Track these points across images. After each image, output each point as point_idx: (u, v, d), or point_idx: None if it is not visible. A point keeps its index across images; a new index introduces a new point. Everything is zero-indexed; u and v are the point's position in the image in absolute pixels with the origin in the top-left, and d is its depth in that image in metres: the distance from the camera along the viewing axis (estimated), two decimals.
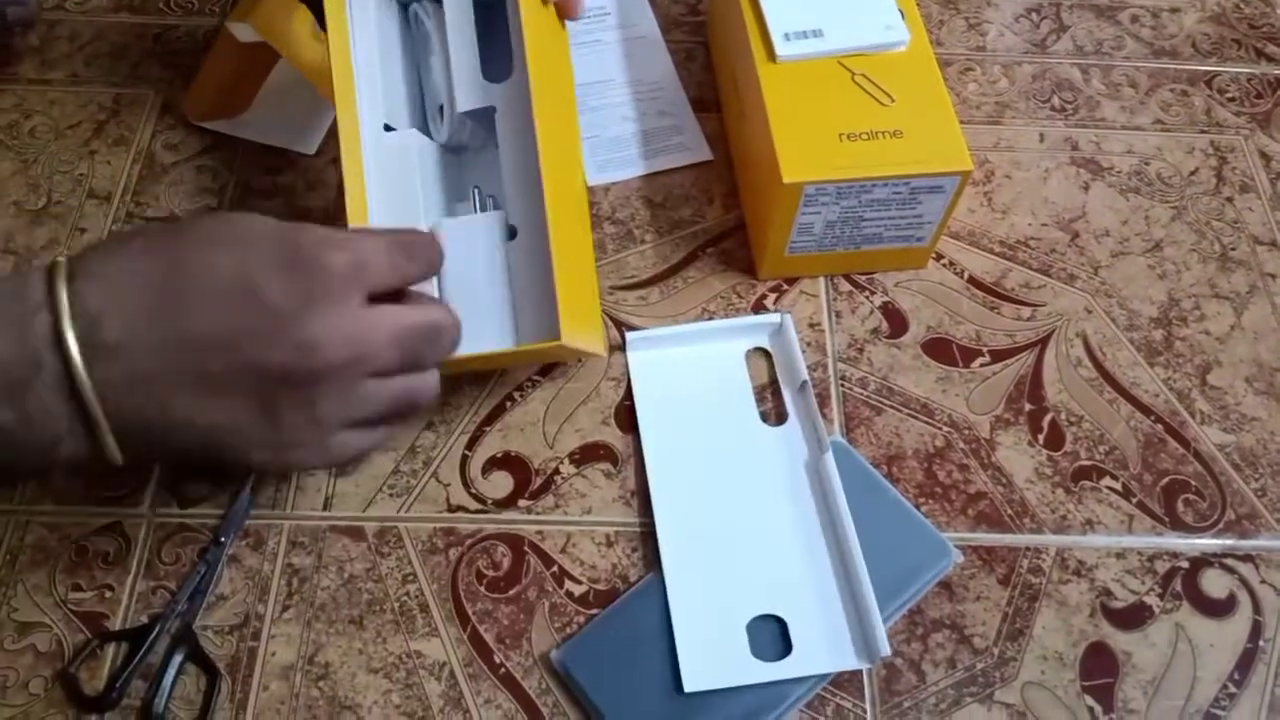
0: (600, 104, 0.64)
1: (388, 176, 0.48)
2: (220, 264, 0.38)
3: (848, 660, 0.46)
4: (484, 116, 0.50)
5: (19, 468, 0.37)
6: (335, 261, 0.38)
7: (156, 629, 0.46)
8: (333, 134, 0.62)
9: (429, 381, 0.43)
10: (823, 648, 0.46)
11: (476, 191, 0.50)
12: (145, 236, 0.39)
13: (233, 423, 0.38)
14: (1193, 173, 0.63)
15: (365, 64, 0.49)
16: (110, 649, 0.46)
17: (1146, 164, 0.63)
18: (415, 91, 0.52)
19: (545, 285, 0.46)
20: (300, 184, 0.61)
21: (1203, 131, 0.65)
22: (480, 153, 0.52)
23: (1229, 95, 0.67)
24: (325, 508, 0.50)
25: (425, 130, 0.51)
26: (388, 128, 0.49)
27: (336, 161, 0.60)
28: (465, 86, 0.49)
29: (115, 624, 0.47)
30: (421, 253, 0.42)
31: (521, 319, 0.47)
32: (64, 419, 0.36)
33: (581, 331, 0.49)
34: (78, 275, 0.37)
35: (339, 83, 0.47)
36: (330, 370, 0.38)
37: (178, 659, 0.45)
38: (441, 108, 0.51)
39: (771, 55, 0.55)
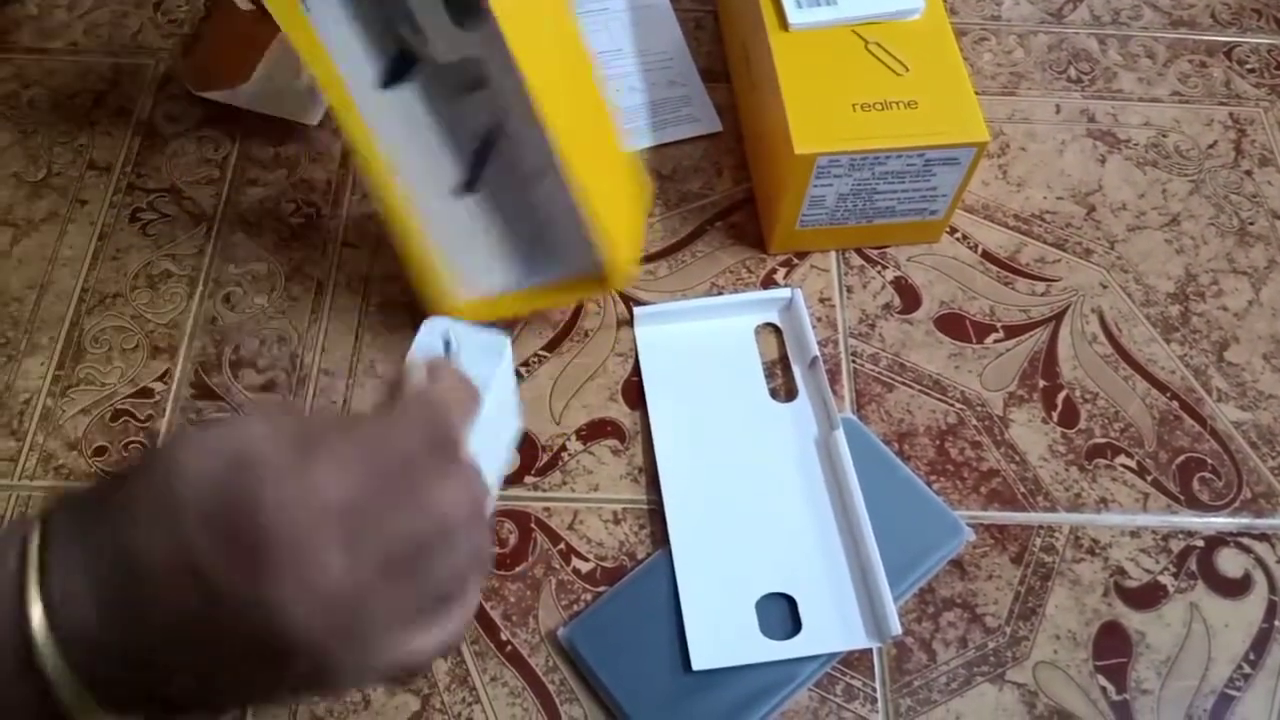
0: (608, 74, 0.63)
1: (397, 137, 0.47)
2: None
3: (858, 639, 0.45)
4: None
5: None
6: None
7: None
8: None
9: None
10: (833, 626, 0.45)
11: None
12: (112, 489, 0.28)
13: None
14: (1211, 145, 0.62)
15: (332, 25, 0.46)
16: None
17: (1164, 136, 0.62)
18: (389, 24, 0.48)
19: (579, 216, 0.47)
20: (303, 155, 0.60)
21: (1221, 103, 0.64)
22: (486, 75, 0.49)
23: (1249, 66, 0.65)
24: None
25: (415, 56, 0.48)
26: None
27: (339, 132, 0.59)
28: (438, 39, 0.46)
29: None
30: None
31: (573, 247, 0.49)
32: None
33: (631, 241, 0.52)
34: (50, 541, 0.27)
35: (317, 67, 0.45)
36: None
37: None
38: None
39: (783, 23, 0.53)
